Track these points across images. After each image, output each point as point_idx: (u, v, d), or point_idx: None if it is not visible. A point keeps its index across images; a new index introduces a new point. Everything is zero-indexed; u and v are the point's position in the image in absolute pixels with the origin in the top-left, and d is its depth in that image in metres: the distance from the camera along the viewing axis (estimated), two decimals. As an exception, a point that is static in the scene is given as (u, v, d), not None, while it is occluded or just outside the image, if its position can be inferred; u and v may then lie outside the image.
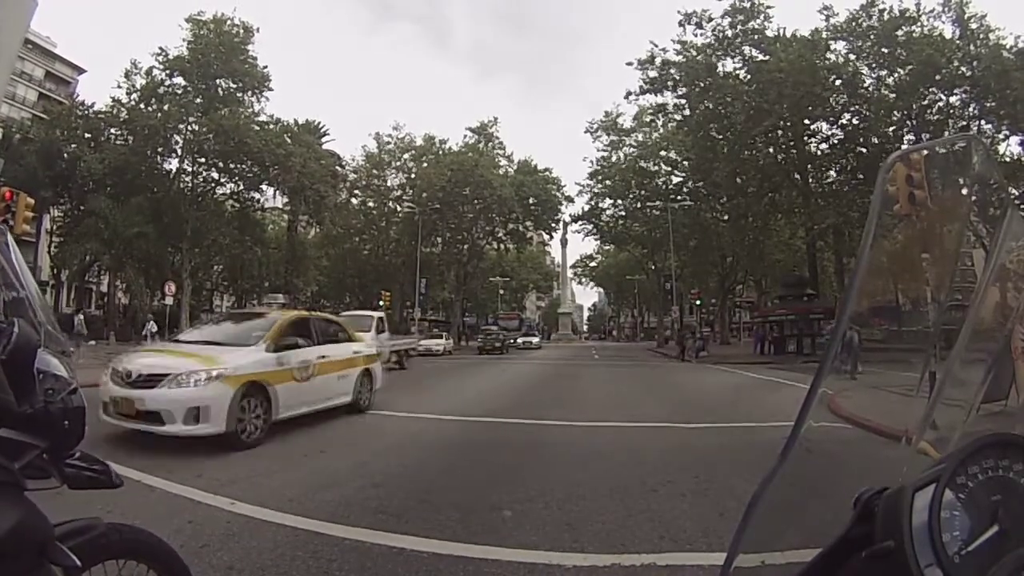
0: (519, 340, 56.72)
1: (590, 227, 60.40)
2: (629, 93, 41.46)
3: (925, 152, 1.46)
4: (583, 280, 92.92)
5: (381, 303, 45.85)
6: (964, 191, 1.29)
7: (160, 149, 43.01)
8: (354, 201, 59.16)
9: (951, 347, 1.15)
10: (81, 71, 66.79)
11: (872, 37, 34.09)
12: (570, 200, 60.22)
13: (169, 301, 32.15)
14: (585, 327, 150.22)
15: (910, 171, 1.29)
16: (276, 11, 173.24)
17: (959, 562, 0.90)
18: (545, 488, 6.20)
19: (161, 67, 42.22)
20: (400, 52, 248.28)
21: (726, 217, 49.80)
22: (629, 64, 40.29)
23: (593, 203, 58.36)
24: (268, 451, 8.12)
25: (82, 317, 29.47)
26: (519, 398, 15.20)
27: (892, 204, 1.27)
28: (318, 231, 60.60)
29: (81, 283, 53.16)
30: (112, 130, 43.29)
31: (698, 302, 50.73)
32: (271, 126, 44.51)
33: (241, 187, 46.59)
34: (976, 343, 1.15)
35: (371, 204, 59.28)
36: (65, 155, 41.18)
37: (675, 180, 54.25)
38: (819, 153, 39.10)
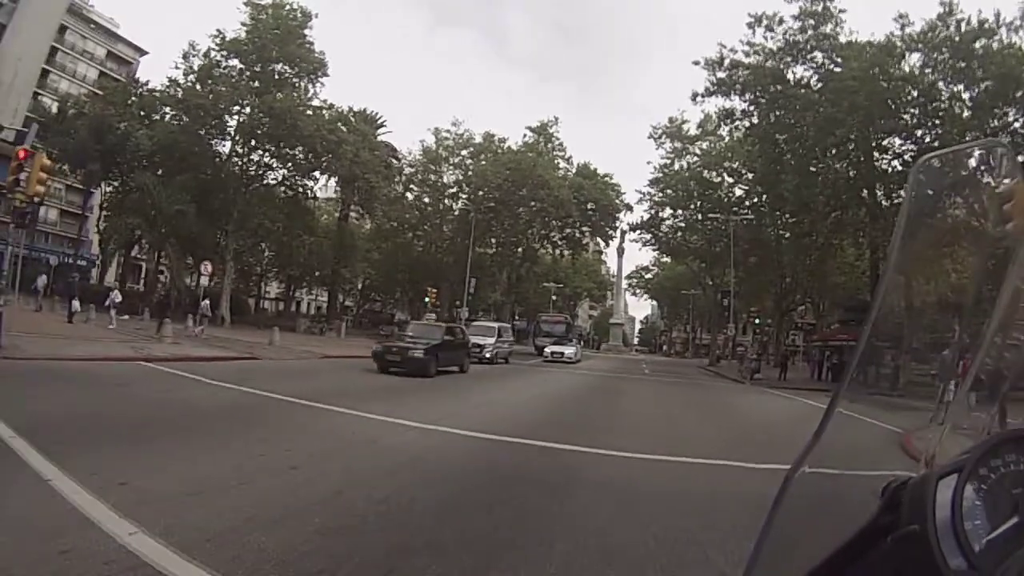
0: (546, 350, 41.74)
1: (648, 237, 58.22)
2: (696, 95, 38.89)
3: (953, 156, 1.38)
4: (637, 292, 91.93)
5: (427, 300, 44.71)
6: (991, 196, 1.25)
7: (211, 129, 43.18)
8: (409, 196, 58.14)
9: (975, 351, 1.13)
10: (143, 53, 69.39)
11: (948, 49, 31.51)
12: (629, 208, 57.99)
13: (204, 281, 31.14)
14: (636, 339, 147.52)
15: (939, 175, 1.26)
16: (343, 9, 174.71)
17: (979, 550, 0.90)
18: (571, 555, 4.57)
19: (217, 49, 42.16)
20: (458, 55, 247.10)
21: (787, 235, 47.59)
22: (696, 63, 37.99)
23: (653, 212, 56.32)
24: (232, 459, 6.65)
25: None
26: (556, 415, 13.48)
27: (921, 208, 1.26)
28: (372, 224, 60.50)
29: (127, 259, 53.80)
30: (167, 109, 43.97)
31: (757, 320, 48.12)
32: (324, 111, 43.82)
33: (292, 173, 46.31)
34: (999, 345, 1.13)
35: (426, 200, 58.08)
36: (117, 131, 41.59)
37: (737, 193, 52.22)
38: (890, 171, 36.24)
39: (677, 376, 35.70)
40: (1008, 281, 1.12)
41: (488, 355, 29.91)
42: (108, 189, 47.42)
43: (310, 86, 44.55)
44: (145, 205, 39.30)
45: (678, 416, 16.22)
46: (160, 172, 42.05)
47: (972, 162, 1.30)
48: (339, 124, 44.61)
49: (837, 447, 1.08)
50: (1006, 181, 1.21)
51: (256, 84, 41.99)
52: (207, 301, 31.47)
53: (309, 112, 42.07)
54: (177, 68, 43.13)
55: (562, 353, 40.33)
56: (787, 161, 37.42)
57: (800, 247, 42.51)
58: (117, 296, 28.32)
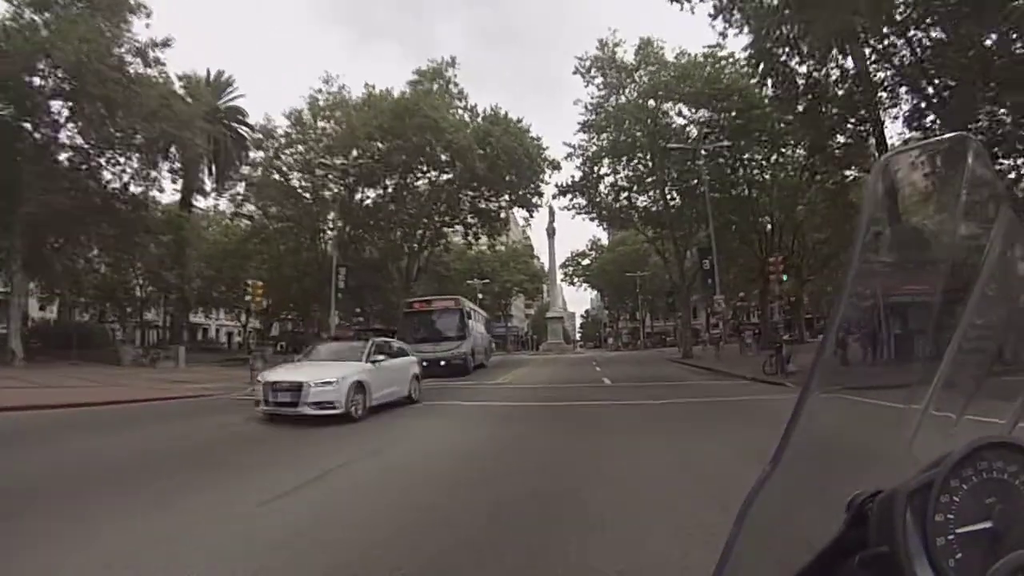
0: (258, 386, 13.42)
1: (583, 203, 46.03)
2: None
3: (917, 151, 1.36)
4: (575, 280, 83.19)
5: (248, 298, 30.92)
6: (958, 191, 1.21)
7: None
8: (291, 184, 44.95)
9: (944, 353, 1.12)
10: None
11: None
12: (556, 167, 45.09)
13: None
14: (578, 335, 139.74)
15: (902, 171, 1.23)
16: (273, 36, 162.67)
17: (954, 565, 0.89)
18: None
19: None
20: (384, 66, 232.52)
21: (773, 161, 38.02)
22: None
23: (587, 168, 44.19)
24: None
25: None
26: None
27: (884, 205, 1.21)
28: (248, 223, 48.61)
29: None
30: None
31: (785, 278, 35.82)
32: (104, 39, 30.62)
33: (97, 147, 34.10)
34: (968, 348, 1.12)
35: (307, 184, 44.98)
36: None
37: (693, 133, 40.96)
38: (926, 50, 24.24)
39: (658, 383, 22.02)
40: (980, 278, 1.09)
41: None
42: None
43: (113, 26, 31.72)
44: None
45: None
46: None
47: (939, 158, 1.29)
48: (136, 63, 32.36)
49: (803, 454, 1.02)
50: (975, 176, 1.18)
51: (44, 33, 29.81)
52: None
53: (79, 42, 28.75)
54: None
55: (294, 394, 12.24)
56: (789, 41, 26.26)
57: (812, 174, 30.39)
58: None
